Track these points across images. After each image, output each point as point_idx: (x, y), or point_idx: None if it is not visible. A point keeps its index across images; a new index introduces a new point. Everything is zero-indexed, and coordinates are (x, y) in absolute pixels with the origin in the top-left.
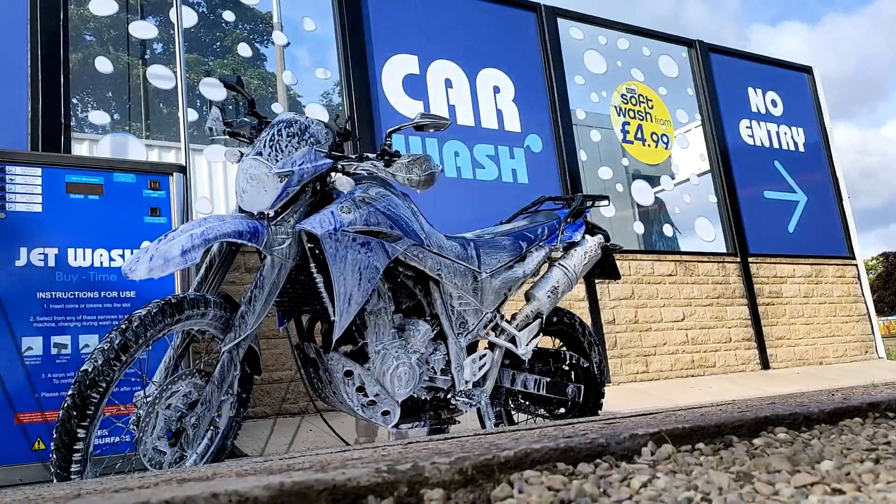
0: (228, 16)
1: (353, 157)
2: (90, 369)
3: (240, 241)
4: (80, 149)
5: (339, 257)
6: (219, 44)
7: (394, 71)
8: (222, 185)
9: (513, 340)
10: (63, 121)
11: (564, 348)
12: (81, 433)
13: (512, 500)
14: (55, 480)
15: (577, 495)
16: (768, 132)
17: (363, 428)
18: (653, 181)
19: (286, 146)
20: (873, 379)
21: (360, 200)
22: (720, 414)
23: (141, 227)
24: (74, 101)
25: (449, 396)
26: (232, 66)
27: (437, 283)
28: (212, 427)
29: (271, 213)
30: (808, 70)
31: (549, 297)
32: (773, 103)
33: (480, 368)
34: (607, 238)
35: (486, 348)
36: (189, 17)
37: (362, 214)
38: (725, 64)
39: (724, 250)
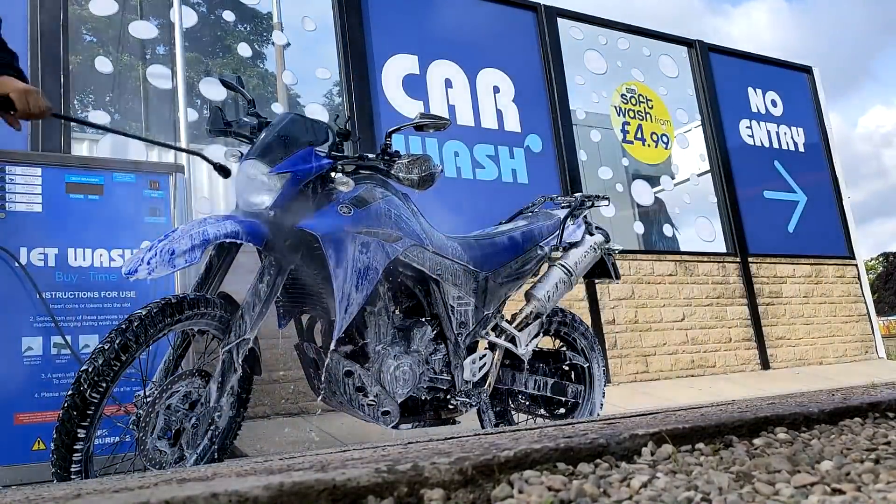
0: (228, 16)
1: (353, 157)
2: (90, 369)
3: (240, 241)
4: (80, 149)
5: (339, 257)
6: (219, 44)
7: (394, 71)
8: (222, 185)
9: (513, 340)
10: (63, 121)
11: (564, 348)
12: (81, 433)
13: (512, 500)
14: (55, 480)
15: (577, 495)
16: (768, 132)
17: None
18: (653, 181)
19: (286, 146)
20: (873, 379)
21: (360, 201)
22: (720, 414)
23: (141, 227)
24: (77, 101)
25: (449, 396)
26: (232, 66)
27: (437, 283)
28: (212, 427)
29: (271, 214)
30: (807, 70)
31: (548, 297)
32: (773, 103)
33: (480, 368)
34: (607, 238)
35: (486, 348)
36: (189, 17)
37: (362, 215)
38: (725, 64)
39: (724, 250)
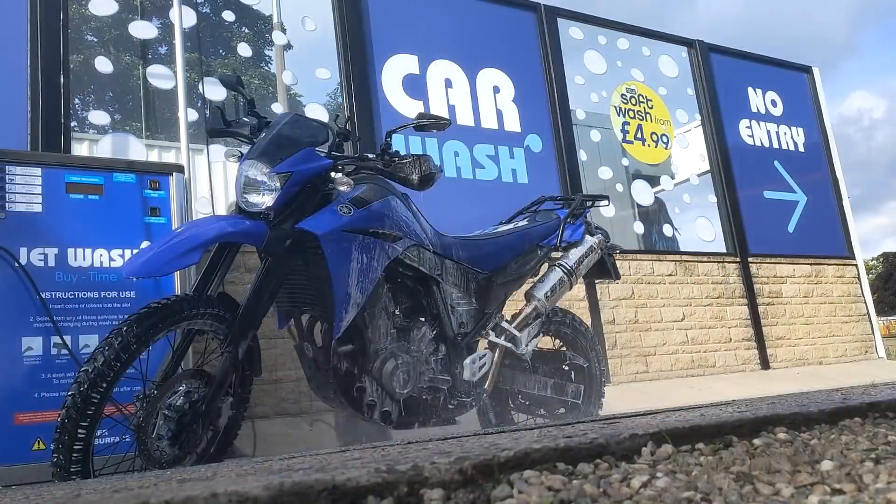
0: (228, 16)
1: (353, 157)
2: (90, 369)
3: (240, 242)
4: (80, 149)
5: (339, 257)
6: (219, 44)
7: (394, 71)
8: (222, 185)
9: (513, 340)
10: (63, 121)
11: (564, 348)
12: (81, 433)
13: (512, 500)
14: (55, 480)
15: (577, 495)
16: (768, 132)
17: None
18: (653, 181)
19: (286, 146)
20: (873, 379)
21: (360, 201)
22: (720, 414)
23: (141, 227)
24: (77, 101)
25: (449, 396)
26: (232, 66)
27: (437, 283)
28: (212, 427)
29: (271, 214)
30: (807, 70)
31: (548, 297)
32: (773, 103)
33: (480, 368)
34: (607, 238)
35: (486, 348)
36: (189, 17)
37: (362, 215)
38: (725, 64)
39: (724, 250)
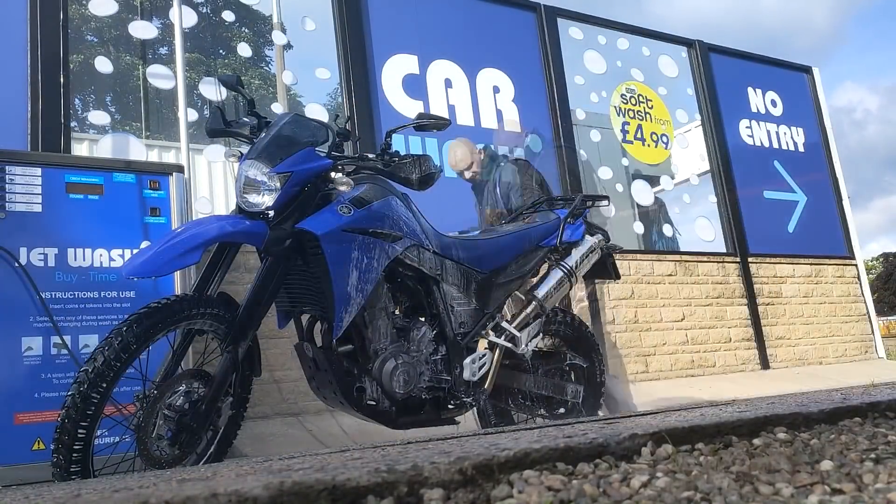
0: (228, 16)
1: (353, 157)
2: (90, 369)
3: (240, 242)
4: (80, 149)
5: (339, 257)
6: (219, 44)
7: (394, 71)
8: (222, 185)
9: (513, 340)
10: (63, 121)
11: (564, 348)
12: (81, 433)
13: (512, 500)
14: (55, 480)
15: (577, 495)
16: (768, 132)
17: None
18: (653, 181)
19: (286, 146)
20: (873, 379)
21: (360, 200)
22: (720, 414)
23: (141, 227)
24: (77, 101)
25: (449, 396)
26: (232, 66)
27: (437, 283)
28: (212, 427)
29: (271, 214)
30: (807, 70)
31: (548, 297)
32: (773, 103)
33: (480, 368)
34: (607, 238)
35: (486, 348)
36: (189, 17)
37: (362, 214)
38: (725, 64)
39: (724, 250)
